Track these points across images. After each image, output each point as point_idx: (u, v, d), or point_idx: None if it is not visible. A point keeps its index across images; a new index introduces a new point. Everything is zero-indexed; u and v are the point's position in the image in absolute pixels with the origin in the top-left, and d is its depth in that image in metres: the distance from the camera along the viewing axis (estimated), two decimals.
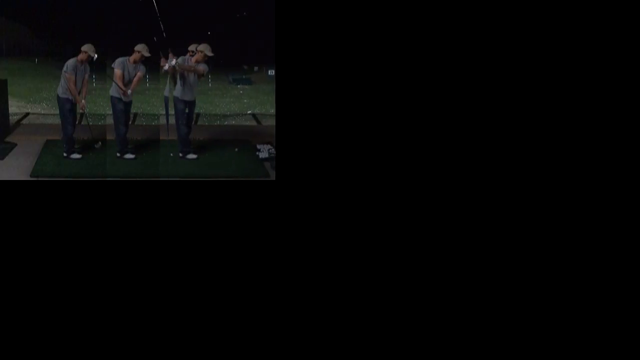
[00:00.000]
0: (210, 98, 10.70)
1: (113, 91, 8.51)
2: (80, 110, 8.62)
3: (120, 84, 8.40)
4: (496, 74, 6.63)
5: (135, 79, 8.48)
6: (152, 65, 8.62)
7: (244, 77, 11.40)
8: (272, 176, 7.98)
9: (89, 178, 8.07)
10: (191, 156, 8.69)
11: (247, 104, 10.94)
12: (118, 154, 8.57)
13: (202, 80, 8.80)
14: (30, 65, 11.20)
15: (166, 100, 8.61)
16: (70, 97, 8.43)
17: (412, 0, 6.63)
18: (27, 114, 10.48)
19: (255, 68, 11.53)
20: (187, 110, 8.65)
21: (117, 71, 8.44)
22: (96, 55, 8.42)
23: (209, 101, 10.64)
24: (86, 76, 8.49)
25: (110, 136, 8.72)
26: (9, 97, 9.63)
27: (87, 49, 8.38)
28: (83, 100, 8.49)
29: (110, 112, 8.64)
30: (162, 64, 8.44)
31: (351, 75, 6.70)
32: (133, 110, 8.96)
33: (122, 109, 8.52)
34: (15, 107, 10.20)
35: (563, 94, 6.60)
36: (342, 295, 6.48)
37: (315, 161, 6.72)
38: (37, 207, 6.93)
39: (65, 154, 8.52)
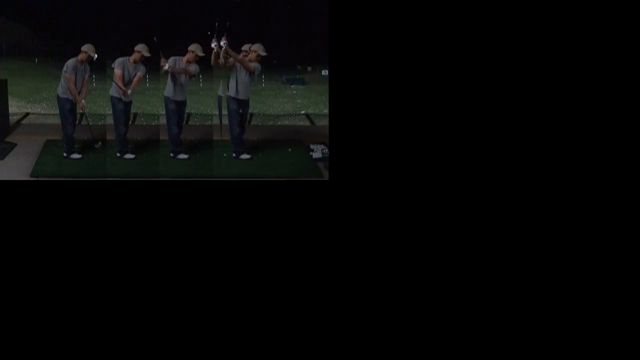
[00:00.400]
0: (263, 98, 10.76)
1: (113, 91, 8.51)
2: (80, 110, 8.62)
3: (120, 84, 8.40)
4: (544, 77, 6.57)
5: (135, 79, 8.48)
6: (152, 65, 8.63)
7: (297, 77, 11.50)
8: (326, 176, 8.07)
9: (89, 178, 8.07)
10: (245, 156, 8.72)
11: (300, 104, 11.00)
12: (118, 154, 8.58)
13: (256, 80, 8.83)
14: (30, 65, 11.21)
15: (220, 99, 8.71)
16: (70, 97, 8.43)
17: (464, 4, 6.60)
18: (27, 114, 10.48)
19: (309, 68, 11.62)
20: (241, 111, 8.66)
21: (117, 71, 8.44)
22: (96, 55, 8.42)
23: (263, 101, 10.70)
24: (86, 76, 8.49)
25: (110, 136, 8.73)
26: (9, 97, 9.66)
27: (87, 49, 8.38)
28: (83, 100, 8.49)
29: (110, 112, 8.65)
30: (162, 64, 8.44)
31: (405, 75, 6.69)
32: (133, 110, 8.96)
33: (122, 109, 8.52)
34: (15, 107, 10.22)
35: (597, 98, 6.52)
36: (394, 295, 6.38)
37: (369, 161, 6.68)
38: (37, 207, 6.93)
39: (65, 154, 8.52)
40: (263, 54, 8.51)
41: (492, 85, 6.63)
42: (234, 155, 8.65)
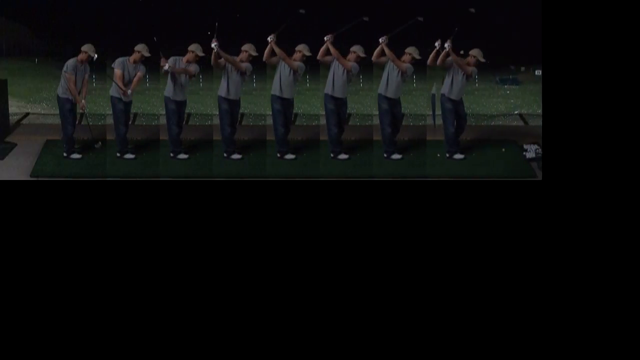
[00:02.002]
0: (477, 98, 10.79)
1: (113, 91, 8.51)
2: (80, 110, 8.62)
3: (120, 84, 8.40)
4: None
5: (135, 79, 8.47)
6: (152, 65, 8.62)
7: (510, 77, 11.53)
8: (539, 176, 8.14)
9: (89, 178, 8.08)
10: (236, 156, 8.66)
11: (513, 104, 11.04)
12: (118, 154, 8.58)
13: (470, 81, 8.85)
14: (30, 65, 11.20)
15: (433, 98, 8.79)
16: (70, 97, 8.44)
17: None
18: (27, 114, 10.48)
19: (522, 68, 11.65)
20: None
21: (117, 71, 8.43)
22: (96, 55, 8.42)
23: (476, 101, 10.73)
24: (86, 76, 8.49)
25: (110, 136, 8.73)
26: (9, 97, 9.66)
27: (87, 49, 8.38)
28: (83, 100, 8.49)
29: (110, 112, 8.65)
30: (162, 64, 8.43)
31: (620, 75, 6.58)
32: (133, 110, 8.96)
33: (122, 109, 8.52)
34: (15, 107, 10.21)
35: None
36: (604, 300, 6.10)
37: (584, 162, 6.55)
38: (37, 207, 6.93)
39: (65, 154, 8.53)
40: (254, 54, 8.48)
41: None
42: (225, 155, 8.64)
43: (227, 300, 6.39)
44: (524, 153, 8.84)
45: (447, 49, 8.40)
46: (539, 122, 8.93)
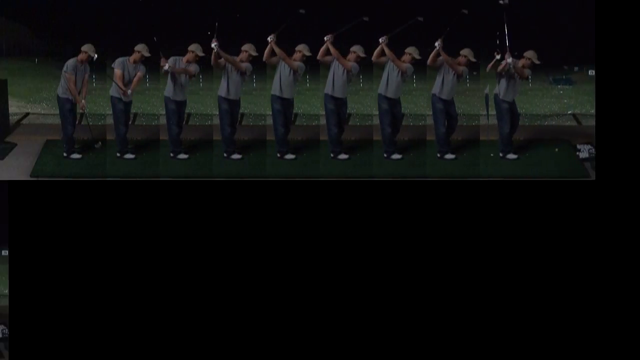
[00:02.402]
0: (530, 98, 10.82)
1: (113, 91, 8.51)
2: (80, 110, 8.62)
3: (120, 84, 8.40)
4: None
5: (135, 79, 8.47)
6: (152, 65, 8.62)
7: (564, 77, 11.55)
8: (592, 176, 8.09)
9: (89, 178, 8.07)
10: (236, 156, 8.67)
11: (567, 104, 11.06)
12: (118, 154, 8.58)
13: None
14: (30, 65, 11.21)
15: (487, 98, 8.74)
16: (70, 97, 8.44)
17: None
18: (27, 114, 10.48)
19: (575, 68, 11.67)
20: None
21: (117, 71, 8.43)
22: (96, 55, 8.42)
23: (529, 101, 10.77)
24: (86, 76, 8.49)
25: (110, 136, 8.73)
26: (9, 97, 9.66)
27: (87, 49, 8.38)
28: (83, 100, 8.49)
29: (110, 112, 8.65)
30: (162, 64, 8.43)
31: None
32: (133, 110, 8.96)
33: (122, 109, 8.52)
34: (15, 107, 10.22)
35: None
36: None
37: (637, 162, 6.58)
38: (37, 207, 6.92)
39: (65, 154, 8.53)
40: (254, 54, 8.48)
41: None
42: (225, 155, 8.64)
43: (227, 299, 6.40)
44: (578, 153, 8.85)
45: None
46: (592, 122, 8.94)
